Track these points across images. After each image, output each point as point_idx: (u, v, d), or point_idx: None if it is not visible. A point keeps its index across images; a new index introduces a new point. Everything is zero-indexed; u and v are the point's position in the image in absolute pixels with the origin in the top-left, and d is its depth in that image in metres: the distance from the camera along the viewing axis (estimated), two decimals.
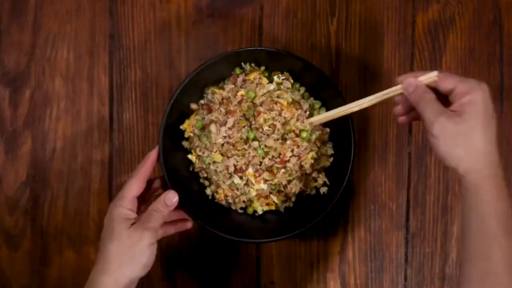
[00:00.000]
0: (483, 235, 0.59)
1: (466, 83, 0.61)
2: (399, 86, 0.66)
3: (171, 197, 0.71)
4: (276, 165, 0.75)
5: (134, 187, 0.71)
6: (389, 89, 0.67)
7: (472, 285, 0.59)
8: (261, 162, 0.75)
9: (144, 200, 0.74)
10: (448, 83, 0.62)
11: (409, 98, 0.64)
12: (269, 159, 0.75)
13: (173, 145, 0.78)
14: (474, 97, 0.60)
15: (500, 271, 0.58)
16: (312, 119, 0.76)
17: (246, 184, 0.77)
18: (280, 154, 0.75)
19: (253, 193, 0.77)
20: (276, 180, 0.76)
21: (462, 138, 0.60)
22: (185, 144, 0.80)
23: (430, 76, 0.64)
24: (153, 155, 0.74)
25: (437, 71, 0.64)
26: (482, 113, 0.60)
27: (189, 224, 0.78)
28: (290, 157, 0.75)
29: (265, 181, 0.76)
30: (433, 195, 0.83)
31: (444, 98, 0.63)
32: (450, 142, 0.60)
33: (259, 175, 0.76)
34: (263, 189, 0.77)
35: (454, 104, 0.61)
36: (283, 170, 0.76)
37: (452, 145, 0.60)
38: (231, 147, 0.75)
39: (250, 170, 0.75)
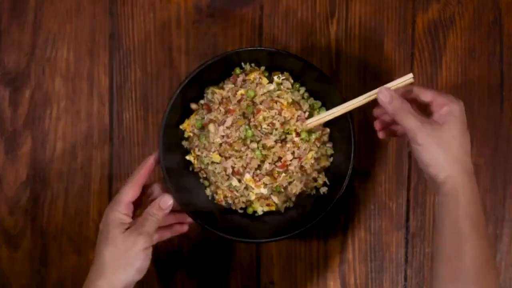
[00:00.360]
0: (457, 235, 0.63)
1: (444, 97, 0.66)
2: (389, 84, 0.69)
3: (166, 201, 0.71)
4: (277, 169, 0.75)
5: (129, 192, 0.71)
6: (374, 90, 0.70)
7: (446, 282, 0.63)
8: (259, 166, 0.75)
9: (141, 204, 0.74)
10: (427, 95, 0.67)
11: (386, 109, 0.68)
12: (269, 163, 0.75)
13: (173, 145, 0.78)
14: (453, 109, 0.65)
15: (472, 269, 0.62)
16: (308, 122, 0.76)
17: (246, 188, 0.77)
18: (280, 158, 0.75)
19: (253, 197, 0.77)
20: (276, 184, 0.76)
21: (444, 146, 0.65)
22: (185, 144, 0.80)
23: (406, 79, 0.67)
24: (150, 161, 0.74)
25: (411, 73, 0.69)
26: (460, 124, 0.66)
27: (185, 227, 0.78)
28: (291, 160, 0.75)
29: (265, 185, 0.76)
30: (433, 195, 0.83)
31: (421, 110, 0.68)
32: (433, 150, 0.65)
33: (259, 180, 0.76)
34: (262, 193, 0.77)
35: (434, 115, 0.66)
36: (283, 174, 0.76)
37: (435, 153, 0.65)
38: (228, 147, 0.75)
39: (248, 176, 0.75)
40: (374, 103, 0.80)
